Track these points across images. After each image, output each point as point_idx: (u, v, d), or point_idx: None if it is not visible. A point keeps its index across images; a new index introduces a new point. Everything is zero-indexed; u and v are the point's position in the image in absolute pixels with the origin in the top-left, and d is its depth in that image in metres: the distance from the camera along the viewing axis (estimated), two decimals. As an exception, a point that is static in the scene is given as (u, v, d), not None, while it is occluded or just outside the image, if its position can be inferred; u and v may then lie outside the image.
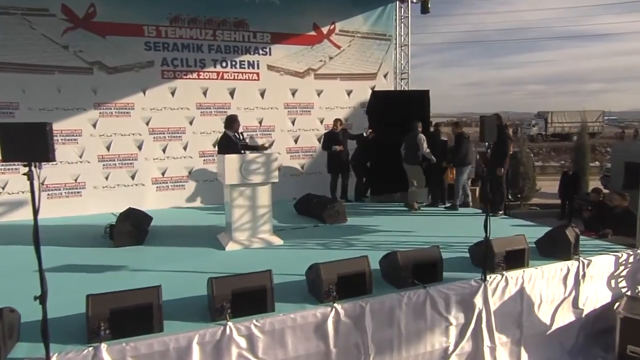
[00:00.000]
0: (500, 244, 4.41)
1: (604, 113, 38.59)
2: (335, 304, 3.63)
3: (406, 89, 9.85)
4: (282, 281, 4.05)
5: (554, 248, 4.73)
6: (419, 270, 4.03)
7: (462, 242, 5.45)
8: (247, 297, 3.39)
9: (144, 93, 7.85)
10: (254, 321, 3.37)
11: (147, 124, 7.93)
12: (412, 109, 7.99)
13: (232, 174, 5.25)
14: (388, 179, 8.17)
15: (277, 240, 5.56)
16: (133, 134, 7.85)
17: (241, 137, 5.87)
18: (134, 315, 3.05)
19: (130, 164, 7.88)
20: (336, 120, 8.23)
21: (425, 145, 7.42)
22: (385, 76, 9.55)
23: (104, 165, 7.70)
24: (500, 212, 7.15)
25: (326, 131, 8.51)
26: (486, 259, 4.19)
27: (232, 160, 5.26)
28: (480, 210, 7.59)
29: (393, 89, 9.69)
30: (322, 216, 6.59)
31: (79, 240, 5.74)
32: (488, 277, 4.22)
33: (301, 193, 8.07)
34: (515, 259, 4.45)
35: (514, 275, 4.37)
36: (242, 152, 5.70)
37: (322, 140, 8.41)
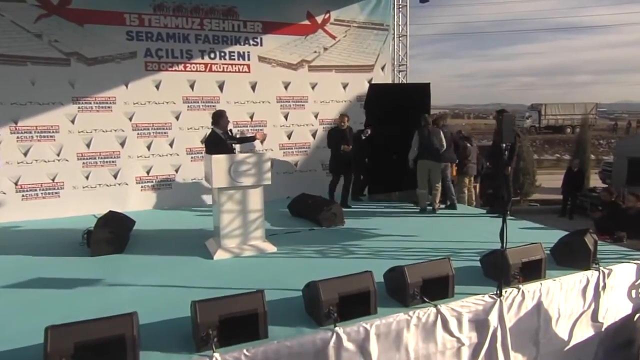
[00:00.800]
0: (516, 255, 4.02)
1: (597, 105, 38.48)
2: (337, 328, 3.21)
3: (404, 81, 9.41)
4: (276, 298, 3.65)
5: (572, 257, 4.35)
6: (429, 285, 3.63)
7: (471, 248, 5.09)
8: (236, 323, 2.96)
9: (126, 86, 7.32)
10: (245, 351, 2.95)
11: (130, 119, 7.41)
12: (413, 103, 7.57)
13: (220, 176, 4.79)
14: (387, 177, 7.75)
15: (270, 248, 5.13)
16: (115, 130, 7.33)
17: (230, 134, 5.40)
18: (102, 350, 2.60)
19: (113, 162, 7.36)
20: (343, 116, 7.63)
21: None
22: (382, 68, 9.09)
23: (83, 163, 7.17)
24: (507, 213, 6.75)
25: (332, 127, 7.97)
26: (502, 272, 3.80)
27: (219, 161, 4.80)
28: (484, 211, 7.23)
29: (391, 81, 9.25)
30: (318, 219, 6.16)
31: (53, 248, 5.26)
32: (504, 291, 3.83)
33: (294, 191, 7.64)
34: (532, 270, 4.07)
35: (530, 288, 3.99)
36: (232, 151, 5.25)
37: (328, 137, 7.84)
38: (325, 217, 6.16)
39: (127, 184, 7.47)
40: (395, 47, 9.32)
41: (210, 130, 5.43)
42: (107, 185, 7.34)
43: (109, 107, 7.25)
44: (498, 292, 3.81)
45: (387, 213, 7.12)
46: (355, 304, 3.35)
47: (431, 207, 7.08)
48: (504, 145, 3.92)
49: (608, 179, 13.53)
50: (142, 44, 7.31)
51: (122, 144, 7.40)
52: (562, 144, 32.31)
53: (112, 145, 7.33)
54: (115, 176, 7.38)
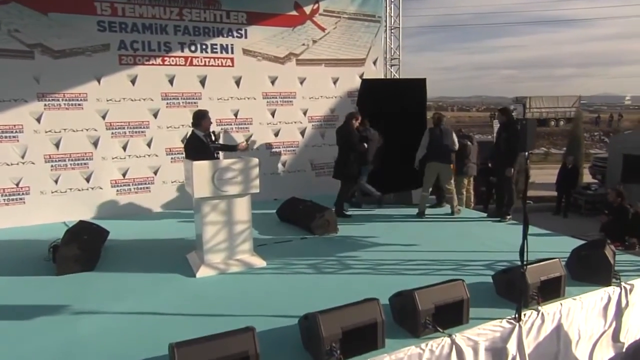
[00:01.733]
0: (534, 273, 3.63)
1: (580, 98, 38.76)
2: (340, 368, 2.76)
3: (397, 76, 8.97)
4: (269, 326, 3.20)
5: (591, 272, 3.99)
6: (441, 312, 3.21)
7: (477, 260, 4.71)
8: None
9: (99, 81, 6.70)
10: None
11: (104, 117, 6.80)
12: (408, 100, 7.14)
13: (203, 185, 4.28)
14: (384, 179, 7.30)
15: (259, 262, 4.65)
16: (87, 130, 6.71)
17: (213, 137, 4.87)
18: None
19: (85, 164, 6.75)
20: (354, 115, 6.71)
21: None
22: (374, 62, 8.61)
23: (52, 166, 6.55)
24: (509, 217, 6.41)
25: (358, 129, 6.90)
26: (521, 294, 3.40)
27: (201, 167, 4.28)
28: (483, 214, 6.85)
29: (383, 76, 8.79)
30: (310, 227, 5.70)
31: (14, 265, 4.68)
32: (522, 314, 3.43)
33: (282, 193, 7.18)
34: (551, 289, 3.69)
35: (550, 310, 3.61)
36: (215, 156, 4.74)
37: (355, 139, 6.81)
38: (318, 224, 5.69)
39: (101, 188, 6.88)
40: (387, 39, 8.85)
41: (190, 131, 4.88)
42: (79, 190, 6.74)
43: (79, 105, 6.62)
44: (517, 316, 3.41)
45: (381, 217, 6.68)
46: (360, 338, 2.90)
47: (447, 210, 6.76)
48: (527, 153, 3.47)
49: (599, 175, 13.39)
50: (115, 36, 6.69)
51: (95, 145, 6.79)
52: (547, 137, 32.48)
53: (84, 146, 6.71)
54: (87, 180, 6.78)
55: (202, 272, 4.41)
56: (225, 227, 4.50)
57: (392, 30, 8.89)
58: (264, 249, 5.03)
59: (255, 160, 4.53)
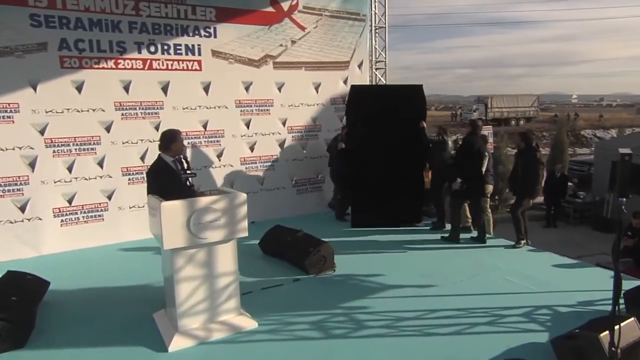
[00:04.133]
0: (609, 339, 2.86)
1: (539, 98, 39.80)
2: None
3: (383, 80, 8.17)
4: None
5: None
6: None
7: (510, 306, 3.93)
8: None
9: (34, 89, 5.47)
10: None
11: (42, 132, 5.58)
12: (404, 109, 6.33)
13: (175, 232, 3.25)
14: (377, 203, 6.46)
15: (249, 323, 3.67)
16: (20, 148, 5.47)
17: (185, 163, 3.82)
18: None
19: (19, 190, 5.51)
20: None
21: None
22: (359, 66, 7.76)
23: (-25, 194, 5.28)
24: (523, 242, 5.74)
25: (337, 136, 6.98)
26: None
27: (173, 209, 3.25)
28: (506, 243, 5.96)
29: (369, 80, 7.96)
30: (304, 265, 4.76)
31: None
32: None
33: (260, 215, 6.27)
34: (630, 357, 2.95)
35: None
36: (191, 189, 3.71)
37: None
38: (313, 262, 4.77)
39: (40, 219, 5.65)
40: (372, 40, 8.03)
41: (157, 158, 3.80)
42: (11, 222, 5.50)
43: (9, 117, 5.38)
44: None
45: (378, 245, 5.84)
46: None
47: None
48: (623, 199, 2.63)
49: (575, 178, 13.21)
50: (54, 33, 5.48)
51: (32, 166, 5.56)
52: (509, 137, 33.05)
53: (17, 167, 5.48)
54: (22, 209, 5.54)
55: (177, 344, 3.37)
56: (205, 282, 3.49)
57: (377, 30, 8.08)
58: (250, 300, 4.06)
59: (243, 196, 3.54)
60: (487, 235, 6.00)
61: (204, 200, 3.37)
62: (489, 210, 6.23)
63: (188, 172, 3.76)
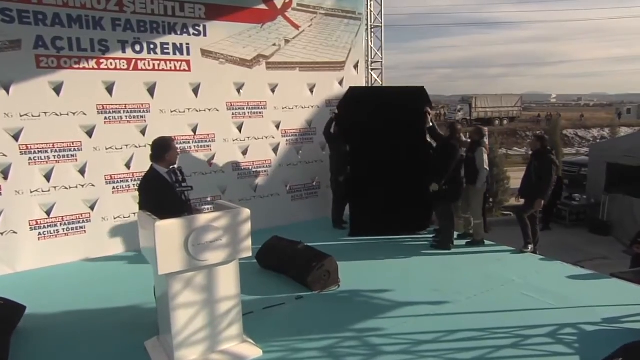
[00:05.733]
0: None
1: (522, 98, 40.22)
2: None
3: (379, 81, 7.90)
4: None
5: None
6: None
7: (532, 324, 3.67)
8: None
9: (7, 90, 5.01)
10: None
11: (16, 138, 5.12)
12: (406, 111, 6.06)
13: (171, 255, 2.88)
14: (376, 212, 6.16)
15: (253, 352, 3.32)
16: (-8, 156, 5.01)
17: (180, 174, 3.45)
18: None
19: (-9, 202, 5.04)
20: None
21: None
22: (355, 66, 7.46)
23: (-58, 207, 4.80)
24: (530, 247, 5.53)
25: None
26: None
27: (169, 230, 2.88)
28: (510, 249, 5.74)
29: (365, 81, 7.68)
30: (307, 282, 4.42)
31: None
32: None
33: (253, 223, 5.69)
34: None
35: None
36: (187, 204, 3.35)
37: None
38: (316, 277, 4.44)
39: (15, 233, 5.19)
40: (369, 39, 7.75)
41: (149, 169, 3.42)
42: (-17, 237, 5.01)
43: (-21, 123, 4.90)
44: None
45: (388, 253, 5.55)
46: None
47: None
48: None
49: (566, 179, 13.19)
50: (29, 30, 5.02)
51: (5, 175, 5.11)
52: (492, 136, 33.27)
53: (-11, 177, 5.00)
54: (-5, 222, 5.06)
55: (173, 379, 3.01)
56: (205, 308, 3.14)
57: (373, 30, 7.80)
58: (251, 321, 3.71)
59: (246, 212, 3.19)
60: (489, 242, 5.82)
61: (203, 218, 3.01)
62: (481, 214, 5.97)
63: (184, 184, 3.39)
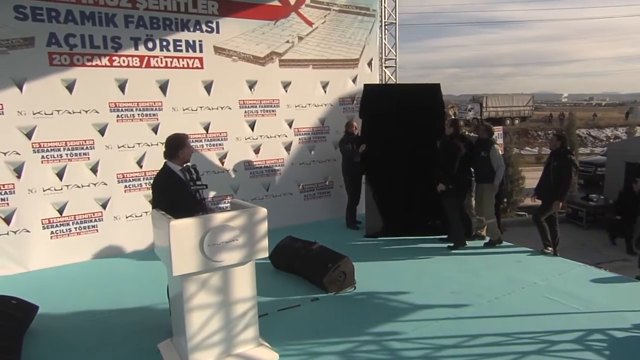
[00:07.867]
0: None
1: (533, 97, 39.76)
2: None
3: (393, 79, 7.77)
4: None
5: None
6: None
7: (557, 329, 3.53)
8: None
9: (20, 88, 4.97)
10: None
11: (29, 136, 5.08)
12: (421, 110, 5.93)
13: (186, 256, 2.79)
14: (393, 212, 6.04)
15: (270, 356, 3.22)
16: (5, 154, 4.97)
17: (194, 172, 3.37)
18: None
19: (3, 200, 5.02)
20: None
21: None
22: (369, 64, 7.33)
23: (-45, 204, 4.77)
24: (550, 249, 5.37)
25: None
26: None
27: (184, 229, 2.79)
28: (529, 249, 5.58)
29: (379, 80, 7.55)
30: (322, 283, 4.32)
31: None
32: None
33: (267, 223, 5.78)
34: None
35: None
36: (202, 203, 3.26)
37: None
38: (332, 279, 4.33)
39: (27, 231, 5.15)
40: (382, 37, 7.62)
41: (162, 166, 3.34)
42: (-4, 235, 4.98)
43: (-8, 120, 4.86)
44: None
45: (404, 254, 5.43)
46: None
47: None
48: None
49: (581, 180, 12.94)
50: (42, 27, 4.98)
51: (18, 173, 5.07)
52: (507, 136, 32.83)
53: (2, 175, 5.00)
54: (7, 221, 5.04)
55: (188, 384, 2.92)
56: (220, 310, 3.04)
57: (387, 27, 7.67)
58: (266, 323, 3.61)
59: (263, 212, 3.10)
60: (507, 242, 5.71)
61: (219, 217, 2.91)
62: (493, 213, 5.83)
63: (198, 182, 3.30)
